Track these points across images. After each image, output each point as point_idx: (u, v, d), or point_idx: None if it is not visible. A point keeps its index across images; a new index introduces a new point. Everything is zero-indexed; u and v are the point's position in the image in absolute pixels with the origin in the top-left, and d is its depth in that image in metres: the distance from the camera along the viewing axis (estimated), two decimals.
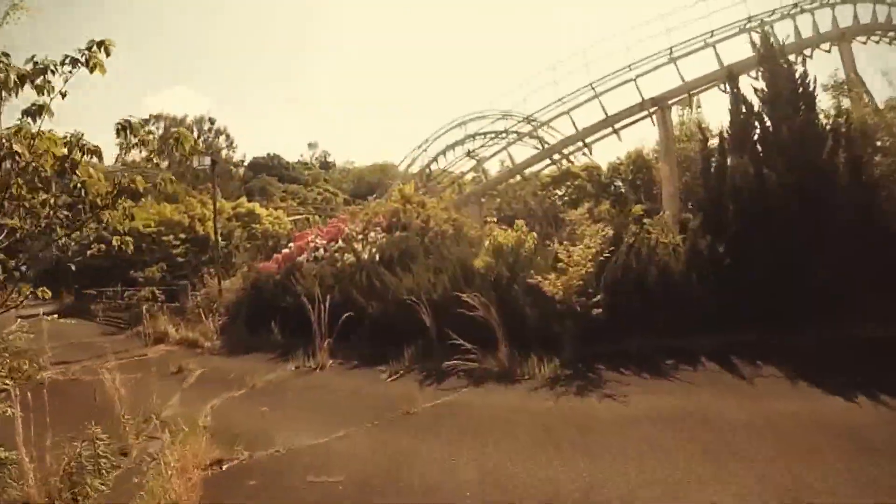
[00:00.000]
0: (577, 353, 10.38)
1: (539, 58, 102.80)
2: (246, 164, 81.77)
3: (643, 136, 36.16)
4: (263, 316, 15.12)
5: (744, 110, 12.62)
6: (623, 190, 30.68)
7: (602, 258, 11.11)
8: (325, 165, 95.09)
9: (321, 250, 16.67)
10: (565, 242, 11.67)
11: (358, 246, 15.86)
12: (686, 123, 28.88)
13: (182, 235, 32.96)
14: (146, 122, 74.41)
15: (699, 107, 28.89)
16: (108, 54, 4.71)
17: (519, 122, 34.09)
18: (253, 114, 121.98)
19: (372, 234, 16.91)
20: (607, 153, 78.43)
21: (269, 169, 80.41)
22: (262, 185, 71.91)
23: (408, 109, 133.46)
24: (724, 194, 11.96)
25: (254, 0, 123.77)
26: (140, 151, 6.12)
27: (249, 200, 43.05)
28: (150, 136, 5.84)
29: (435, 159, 40.78)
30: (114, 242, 5.51)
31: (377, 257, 14.76)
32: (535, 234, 12.73)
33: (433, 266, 13.11)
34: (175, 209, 35.48)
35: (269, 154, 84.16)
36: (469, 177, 37.32)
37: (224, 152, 76.76)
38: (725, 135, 12.97)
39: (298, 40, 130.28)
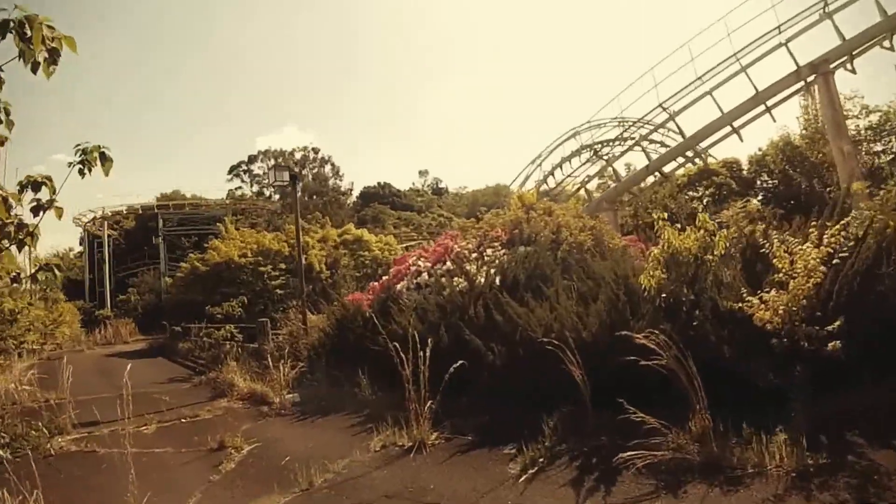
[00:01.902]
0: (812, 416, 6.02)
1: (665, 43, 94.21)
2: (356, 193, 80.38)
3: (782, 124, 31.43)
4: (351, 362, 11.39)
5: None
6: (772, 184, 27.21)
7: (835, 262, 6.82)
8: (438, 191, 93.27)
9: (425, 275, 12.91)
10: (787, 239, 7.34)
11: (471, 267, 11.97)
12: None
13: (282, 266, 30.39)
14: (254, 157, 74.85)
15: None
16: None
17: (633, 124, 30.09)
18: (361, 147, 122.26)
19: (489, 251, 13.06)
20: (750, 144, 71.08)
21: (381, 198, 78.87)
22: (374, 214, 70.20)
23: (519, 128, 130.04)
24: None
25: (353, 33, 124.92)
26: None
27: (360, 228, 40.27)
28: None
29: (551, 173, 37.23)
30: (39, 276, 4.56)
31: (497, 280, 10.73)
32: (726, 233, 8.45)
33: (578, 290, 9.06)
34: (276, 237, 32.97)
35: (379, 183, 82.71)
36: (594, 183, 33.21)
37: (331, 181, 75.53)
38: None
39: (399, 70, 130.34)
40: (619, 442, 6.26)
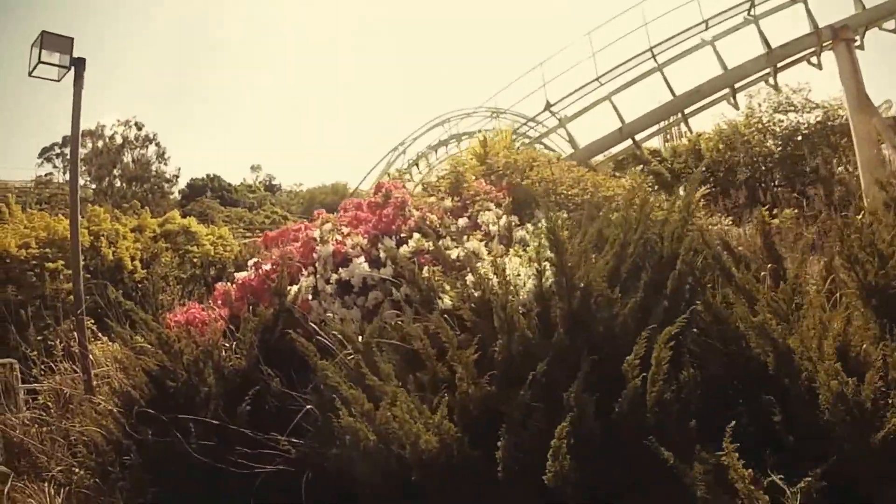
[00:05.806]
0: None
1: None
2: (183, 184, 71.29)
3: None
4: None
5: None
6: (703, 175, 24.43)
7: None
8: (271, 188, 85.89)
9: (363, 263, 5.85)
10: None
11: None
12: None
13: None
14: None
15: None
16: None
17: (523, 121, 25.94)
18: (192, 133, 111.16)
19: (485, 216, 6.36)
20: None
21: (210, 191, 70.01)
22: (202, 209, 61.34)
23: (364, 126, 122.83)
24: None
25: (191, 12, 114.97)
26: None
27: (188, 217, 32.71)
28: None
29: (416, 162, 32.21)
30: None
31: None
32: None
33: None
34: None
35: (208, 175, 73.57)
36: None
37: (155, 166, 65.67)
38: None
39: (236, 55, 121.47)
40: None
